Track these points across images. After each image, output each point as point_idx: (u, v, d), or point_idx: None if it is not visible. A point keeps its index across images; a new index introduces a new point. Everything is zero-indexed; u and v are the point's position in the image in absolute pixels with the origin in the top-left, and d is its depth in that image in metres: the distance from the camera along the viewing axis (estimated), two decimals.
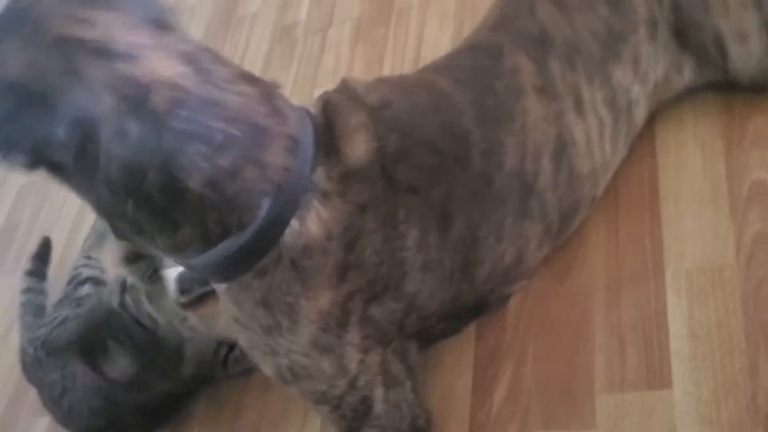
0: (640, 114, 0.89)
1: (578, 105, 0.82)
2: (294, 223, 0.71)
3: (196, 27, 1.74)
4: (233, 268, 0.73)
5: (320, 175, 0.72)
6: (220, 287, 0.77)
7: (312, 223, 0.71)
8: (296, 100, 1.39)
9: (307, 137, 0.72)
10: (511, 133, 0.80)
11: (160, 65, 0.65)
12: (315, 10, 1.52)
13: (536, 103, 0.81)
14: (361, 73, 1.35)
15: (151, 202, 0.67)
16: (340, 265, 0.72)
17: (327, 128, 0.75)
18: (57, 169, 0.65)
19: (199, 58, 0.68)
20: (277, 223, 0.70)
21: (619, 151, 0.89)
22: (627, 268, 0.87)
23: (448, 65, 0.87)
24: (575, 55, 0.83)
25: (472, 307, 0.86)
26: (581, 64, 0.83)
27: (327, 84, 1.38)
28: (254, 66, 1.53)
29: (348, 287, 0.74)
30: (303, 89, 1.41)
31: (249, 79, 0.72)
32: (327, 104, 0.78)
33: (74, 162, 0.63)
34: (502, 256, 0.83)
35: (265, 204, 0.69)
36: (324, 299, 0.73)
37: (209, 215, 0.68)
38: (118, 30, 0.65)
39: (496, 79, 0.82)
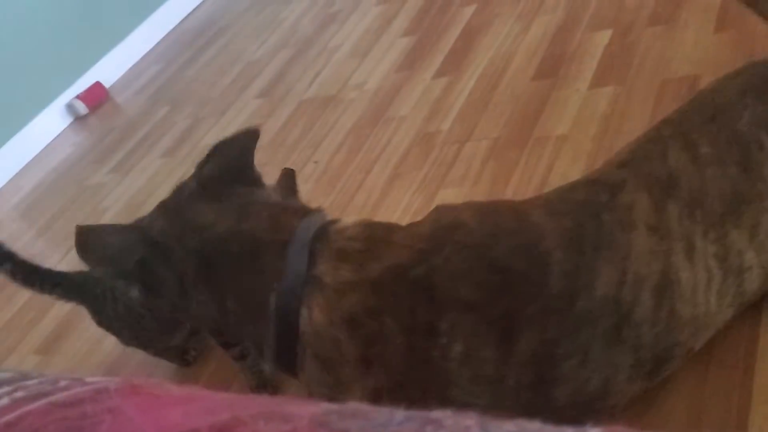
0: (753, 282, 0.87)
1: (689, 251, 0.83)
2: (303, 312, 0.82)
3: (346, 119, 1.90)
4: (283, 368, 0.86)
5: (320, 269, 0.82)
6: None
7: (316, 311, 0.82)
8: (420, 198, 1.48)
9: (304, 235, 0.84)
10: (609, 261, 0.81)
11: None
12: (458, 124, 1.63)
13: (645, 238, 0.82)
14: (485, 188, 1.42)
15: (216, 322, 0.91)
16: (360, 357, 0.80)
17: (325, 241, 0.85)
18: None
19: None
20: (286, 318, 0.82)
21: (723, 310, 0.87)
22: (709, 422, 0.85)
23: (554, 199, 0.89)
24: (696, 206, 0.84)
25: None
26: (700, 214, 0.84)
27: (452, 188, 1.46)
28: (389, 161, 1.64)
29: (374, 381, 0.79)
30: (429, 189, 1.49)
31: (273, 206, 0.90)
32: (365, 225, 0.87)
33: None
34: (587, 380, 0.82)
35: (272, 305, 0.83)
36: (355, 392, 0.80)
37: (247, 329, 0.87)
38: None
39: (605, 211, 0.84)
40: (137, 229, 0.89)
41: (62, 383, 0.39)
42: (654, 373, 0.86)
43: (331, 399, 0.81)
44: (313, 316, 0.81)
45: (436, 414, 0.29)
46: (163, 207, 0.91)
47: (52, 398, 0.36)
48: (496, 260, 0.81)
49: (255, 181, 0.94)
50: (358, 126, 1.84)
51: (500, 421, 0.29)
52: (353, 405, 0.32)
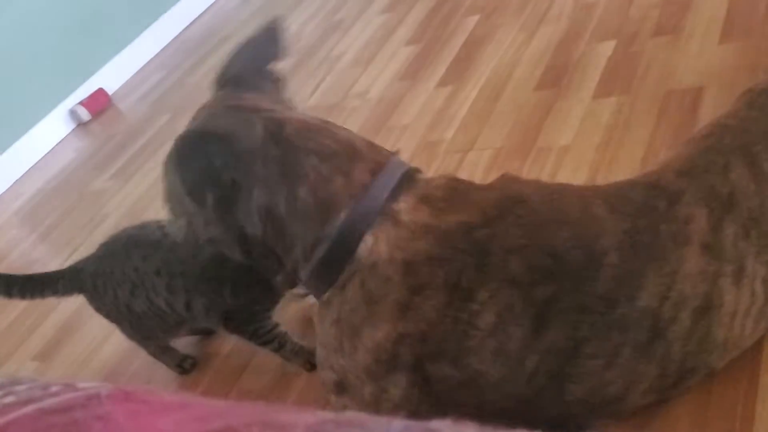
0: None
1: (738, 273, 0.81)
2: (368, 239, 0.82)
3: (348, 127, 1.89)
4: (320, 279, 0.84)
5: (400, 206, 0.82)
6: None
7: (382, 243, 0.81)
8: None
9: (396, 170, 0.85)
10: (659, 273, 0.80)
11: (289, 114, 0.88)
12: (461, 133, 1.62)
13: (697, 257, 0.80)
14: None
15: (278, 219, 0.84)
16: (402, 301, 0.80)
17: (422, 181, 0.86)
18: (224, 201, 0.86)
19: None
20: (349, 236, 0.82)
21: (754, 336, 0.86)
22: None
23: (615, 194, 0.87)
24: (752, 226, 0.82)
25: (547, 421, 0.84)
26: (756, 235, 0.82)
27: None
28: None
29: (404, 327, 0.80)
30: None
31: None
32: (449, 179, 0.87)
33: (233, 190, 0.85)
34: (607, 384, 0.81)
35: (342, 215, 0.82)
36: (381, 332, 0.81)
37: (308, 226, 0.83)
38: (263, 102, 0.93)
39: (663, 221, 0.82)
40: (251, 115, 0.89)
41: (53, 389, 0.38)
42: (672, 388, 0.84)
43: (354, 329, 0.82)
44: (378, 247, 0.81)
45: (435, 424, 0.28)
46: (217, 108, 0.94)
47: (42, 404, 0.35)
48: (554, 246, 0.80)
49: (276, 81, 1.02)
50: (361, 134, 1.83)
51: (501, 431, 0.28)
52: (350, 414, 0.31)
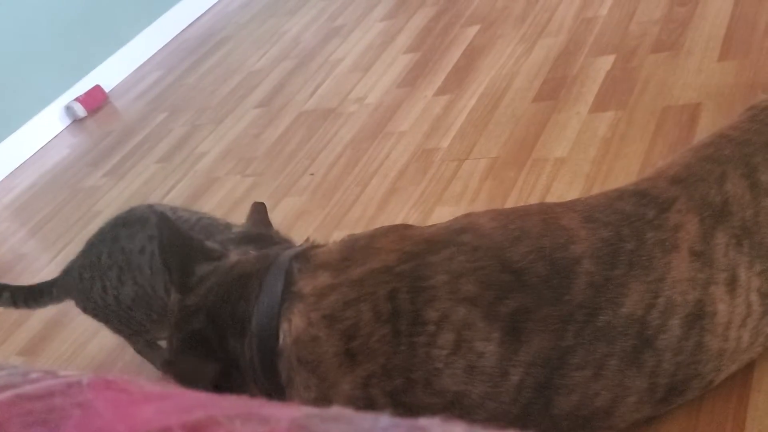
0: None
1: (731, 283, 0.80)
2: (283, 327, 0.82)
3: (345, 132, 1.89)
4: (269, 388, 0.85)
5: (299, 285, 0.83)
6: None
7: (296, 319, 0.82)
8: (416, 213, 1.47)
9: (281, 263, 0.86)
10: (642, 280, 0.79)
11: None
12: (458, 142, 1.62)
13: (686, 264, 0.79)
14: (483, 206, 1.40)
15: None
16: (342, 351, 0.79)
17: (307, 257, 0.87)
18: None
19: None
20: (264, 331, 0.83)
21: (753, 349, 0.84)
22: None
23: (597, 204, 0.86)
24: (745, 236, 0.81)
25: None
26: (749, 245, 0.81)
27: (449, 205, 1.44)
28: (387, 176, 1.63)
29: (363, 370, 0.79)
30: (426, 205, 1.47)
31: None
32: (342, 241, 0.89)
33: None
34: (595, 395, 0.79)
35: (254, 323, 0.84)
36: (347, 384, 0.79)
37: (241, 342, 0.87)
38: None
39: (650, 229, 0.81)
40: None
41: (33, 375, 0.37)
42: (664, 402, 0.83)
43: (320, 400, 0.81)
44: (293, 324, 0.82)
45: (424, 421, 0.28)
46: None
47: (20, 390, 0.34)
48: (511, 261, 0.80)
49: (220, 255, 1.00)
50: (357, 139, 1.83)
51: (489, 431, 0.27)
52: (336, 409, 0.30)
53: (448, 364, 0.77)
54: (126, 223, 1.24)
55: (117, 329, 1.32)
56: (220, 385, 0.88)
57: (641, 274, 0.78)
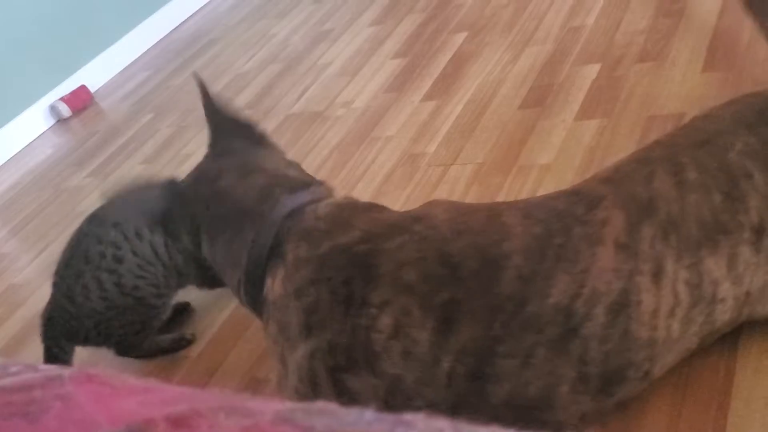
0: (724, 314, 0.86)
1: (657, 273, 0.82)
2: (268, 281, 0.93)
3: (331, 136, 1.89)
4: (254, 311, 0.99)
5: (288, 246, 0.92)
6: None
7: (277, 282, 0.92)
8: None
9: (277, 217, 0.95)
10: (568, 272, 0.82)
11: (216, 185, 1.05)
12: (444, 147, 1.63)
13: (610, 255, 0.82)
14: None
15: (217, 264, 1.07)
16: (302, 323, 0.88)
17: (307, 219, 0.94)
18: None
19: None
20: (252, 277, 0.95)
21: (687, 338, 0.86)
22: None
23: (537, 204, 0.90)
24: (672, 230, 0.84)
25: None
26: (675, 239, 0.83)
27: None
28: (373, 180, 1.63)
29: (313, 343, 0.87)
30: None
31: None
32: (339, 204, 0.96)
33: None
34: (526, 384, 0.82)
35: (244, 262, 0.96)
36: (298, 351, 0.89)
37: (232, 273, 1.01)
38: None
39: (578, 224, 0.84)
40: (169, 185, 1.06)
41: (13, 369, 0.37)
42: (604, 392, 0.84)
43: (282, 358, 0.92)
44: (275, 285, 0.93)
45: (408, 416, 0.28)
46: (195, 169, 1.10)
47: (0, 382, 0.34)
48: (450, 255, 0.85)
49: (260, 138, 1.10)
50: (344, 143, 1.83)
51: (474, 426, 0.27)
52: (320, 403, 0.30)
53: (386, 348, 0.83)
54: (104, 207, 1.25)
55: (121, 335, 1.30)
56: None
57: (568, 266, 0.82)
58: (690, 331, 0.85)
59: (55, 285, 1.28)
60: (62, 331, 1.28)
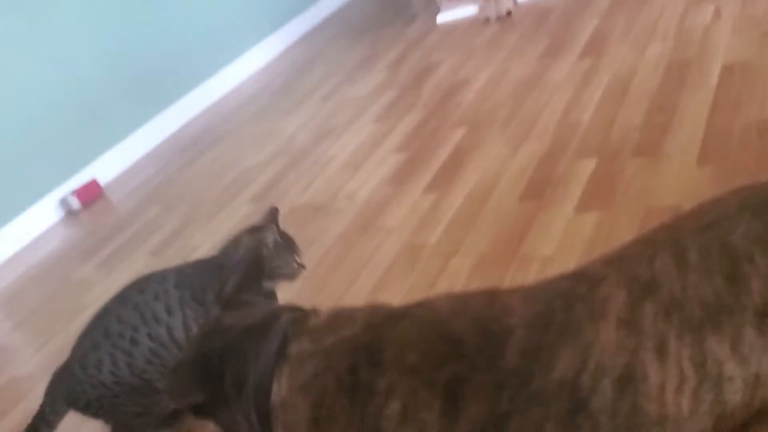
0: (735, 395, 0.86)
1: (661, 350, 0.83)
2: (275, 387, 0.92)
3: (335, 227, 1.92)
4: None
5: (291, 348, 0.93)
6: None
7: (283, 383, 0.92)
8: None
9: (282, 324, 0.96)
10: (572, 346, 0.83)
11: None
12: (445, 239, 1.65)
13: (613, 330, 0.83)
14: None
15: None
16: (311, 418, 0.88)
17: (298, 323, 0.96)
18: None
19: None
20: (259, 390, 0.93)
21: (699, 417, 0.85)
22: None
23: (540, 286, 0.92)
24: (674, 309, 0.85)
25: None
26: (677, 318, 0.84)
27: None
28: (376, 270, 1.65)
29: None
30: (413, 299, 1.48)
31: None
32: (334, 309, 0.98)
33: None
34: None
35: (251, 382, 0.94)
36: None
37: (240, 407, 0.97)
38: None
39: (580, 302, 0.86)
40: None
41: None
42: None
43: None
44: (281, 388, 0.92)
45: None
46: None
47: None
48: (451, 332, 0.86)
49: (269, 294, 1.15)
50: (347, 234, 1.86)
51: None
52: None
53: None
54: (129, 288, 1.31)
55: (122, 414, 1.30)
56: (201, 413, 0.99)
57: (570, 339, 0.83)
58: (701, 410, 0.85)
59: (73, 350, 1.31)
60: (65, 393, 1.29)
